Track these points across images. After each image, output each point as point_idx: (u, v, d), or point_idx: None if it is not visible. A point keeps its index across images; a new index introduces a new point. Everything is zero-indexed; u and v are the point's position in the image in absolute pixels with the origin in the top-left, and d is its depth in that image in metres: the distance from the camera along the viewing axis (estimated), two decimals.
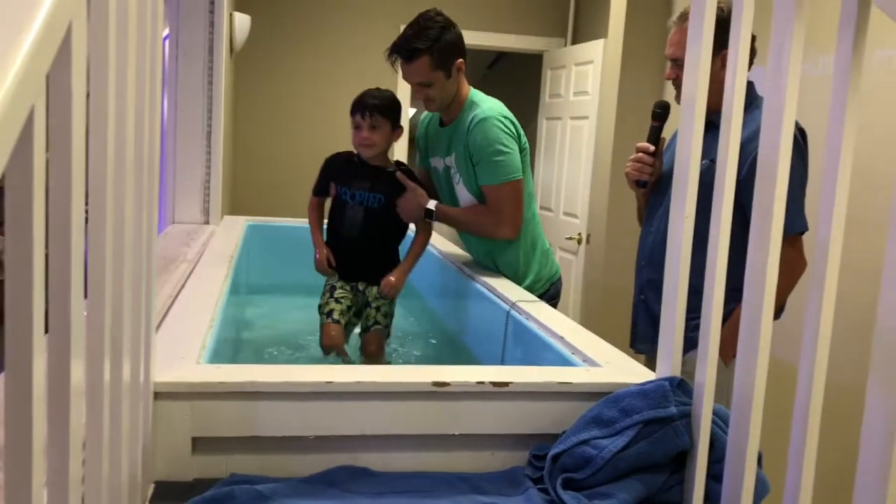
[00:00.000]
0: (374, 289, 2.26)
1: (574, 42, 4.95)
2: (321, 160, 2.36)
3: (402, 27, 2.26)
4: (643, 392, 1.26)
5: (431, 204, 2.27)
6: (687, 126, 1.21)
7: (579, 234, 4.47)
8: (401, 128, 2.25)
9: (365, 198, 2.25)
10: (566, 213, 4.67)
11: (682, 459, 1.26)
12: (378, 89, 2.25)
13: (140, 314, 1.02)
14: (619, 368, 1.42)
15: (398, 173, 2.26)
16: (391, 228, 2.31)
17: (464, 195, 2.37)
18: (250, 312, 2.77)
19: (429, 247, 2.39)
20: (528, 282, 2.39)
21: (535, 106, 5.18)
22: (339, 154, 2.35)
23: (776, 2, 1.05)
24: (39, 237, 0.57)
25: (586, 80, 4.49)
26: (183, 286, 1.95)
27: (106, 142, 0.78)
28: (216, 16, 3.57)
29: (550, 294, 2.45)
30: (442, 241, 2.97)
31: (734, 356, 1.15)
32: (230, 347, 1.94)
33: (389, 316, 2.30)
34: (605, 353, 1.52)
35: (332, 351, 2.15)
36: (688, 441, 1.23)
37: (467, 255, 2.66)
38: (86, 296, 0.75)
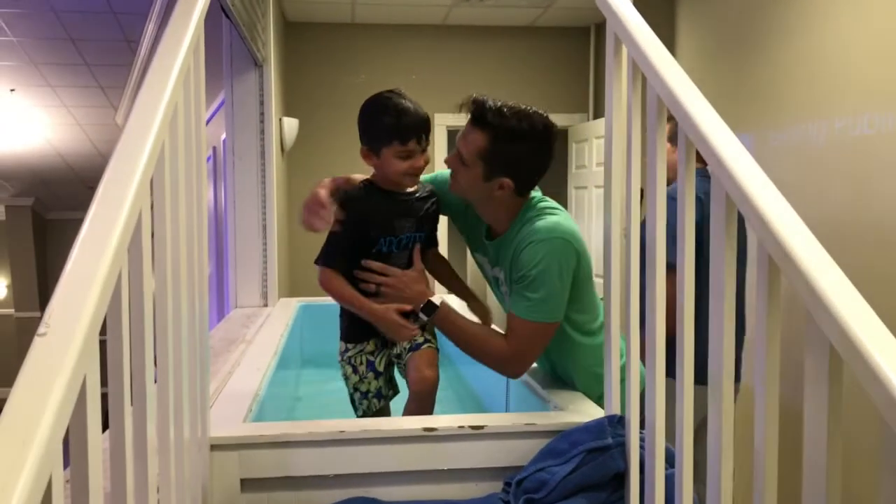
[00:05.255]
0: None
1: (595, 117, 5.35)
2: None
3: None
4: (587, 428, 1.60)
5: (437, 299, 1.84)
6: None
7: None
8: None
9: (411, 239, 1.86)
10: (597, 275, 4.97)
11: (622, 480, 1.58)
12: (402, 97, 1.79)
13: (196, 389, 1.41)
14: (577, 411, 1.76)
15: (417, 249, 1.88)
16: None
17: None
18: (295, 380, 3.16)
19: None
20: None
21: (564, 175, 5.56)
22: (357, 189, 1.84)
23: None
24: (126, 344, 0.96)
25: None
26: (239, 363, 2.36)
27: (165, 266, 1.19)
28: (266, 122, 4.08)
29: None
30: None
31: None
32: (275, 409, 2.31)
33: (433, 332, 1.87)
34: (572, 399, 1.86)
35: None
36: (622, 464, 1.55)
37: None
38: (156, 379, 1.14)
